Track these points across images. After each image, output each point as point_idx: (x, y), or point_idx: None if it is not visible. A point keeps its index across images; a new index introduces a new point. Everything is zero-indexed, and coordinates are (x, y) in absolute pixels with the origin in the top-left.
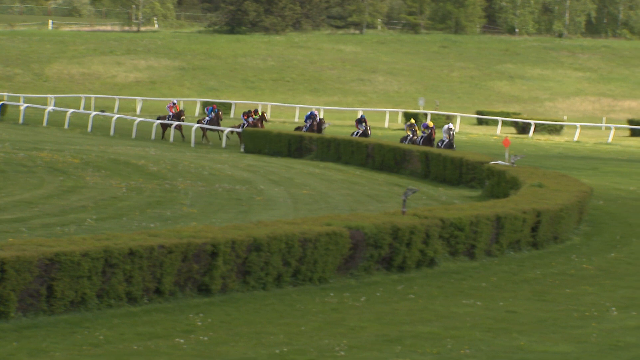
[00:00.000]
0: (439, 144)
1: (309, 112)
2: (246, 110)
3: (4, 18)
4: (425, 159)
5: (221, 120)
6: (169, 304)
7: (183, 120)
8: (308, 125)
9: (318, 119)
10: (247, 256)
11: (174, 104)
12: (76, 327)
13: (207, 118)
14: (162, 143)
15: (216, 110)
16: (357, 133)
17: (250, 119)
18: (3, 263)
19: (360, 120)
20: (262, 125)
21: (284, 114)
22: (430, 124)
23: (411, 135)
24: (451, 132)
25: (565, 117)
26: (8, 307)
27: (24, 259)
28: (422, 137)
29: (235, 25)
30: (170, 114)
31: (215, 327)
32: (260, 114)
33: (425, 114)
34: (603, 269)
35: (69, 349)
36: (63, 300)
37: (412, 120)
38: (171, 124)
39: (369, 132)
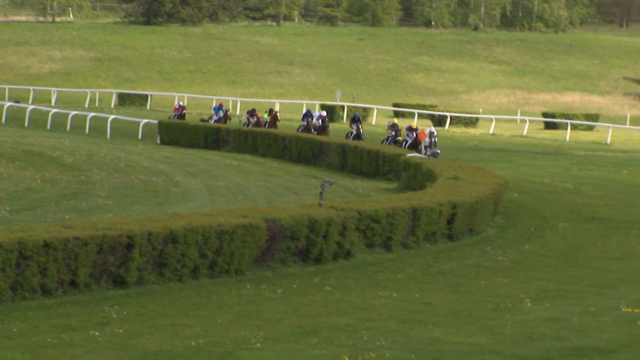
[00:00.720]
0: (404, 144)
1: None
2: (250, 109)
3: None
4: (342, 151)
5: (229, 120)
6: (84, 296)
7: (185, 115)
8: (304, 125)
9: (321, 119)
10: (163, 248)
11: (180, 105)
12: None
13: (214, 117)
14: (77, 134)
15: (224, 109)
16: (351, 134)
17: (254, 118)
18: None
19: (355, 120)
20: (274, 126)
21: (201, 105)
22: (414, 125)
23: (394, 134)
24: (433, 137)
25: (480, 110)
26: None
27: None
28: (406, 141)
29: (151, 16)
30: (174, 114)
31: (130, 319)
32: (273, 113)
33: (343, 107)
34: (517, 261)
35: None
36: None
37: (395, 120)
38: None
39: (362, 132)
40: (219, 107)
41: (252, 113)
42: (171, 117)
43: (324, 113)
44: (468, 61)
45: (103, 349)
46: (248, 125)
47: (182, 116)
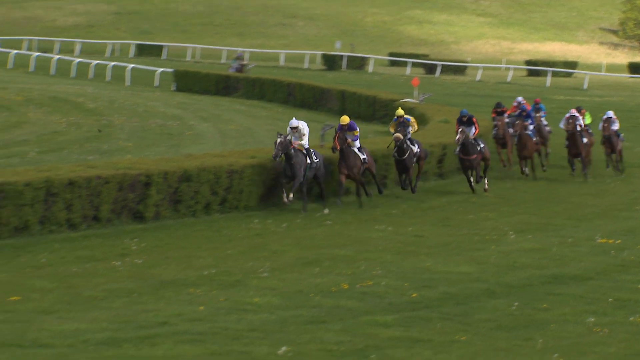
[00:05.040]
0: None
1: None
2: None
3: None
4: (341, 97)
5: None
6: (106, 230)
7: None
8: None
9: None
10: (178, 186)
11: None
12: (20, 251)
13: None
14: (99, 82)
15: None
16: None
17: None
18: None
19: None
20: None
21: (212, 55)
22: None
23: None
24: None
25: (469, 59)
26: None
27: None
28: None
29: None
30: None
31: (148, 251)
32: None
33: (342, 56)
34: (502, 196)
35: (13, 270)
36: (8, 226)
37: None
38: None
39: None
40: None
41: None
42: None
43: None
44: (457, 14)
45: (124, 277)
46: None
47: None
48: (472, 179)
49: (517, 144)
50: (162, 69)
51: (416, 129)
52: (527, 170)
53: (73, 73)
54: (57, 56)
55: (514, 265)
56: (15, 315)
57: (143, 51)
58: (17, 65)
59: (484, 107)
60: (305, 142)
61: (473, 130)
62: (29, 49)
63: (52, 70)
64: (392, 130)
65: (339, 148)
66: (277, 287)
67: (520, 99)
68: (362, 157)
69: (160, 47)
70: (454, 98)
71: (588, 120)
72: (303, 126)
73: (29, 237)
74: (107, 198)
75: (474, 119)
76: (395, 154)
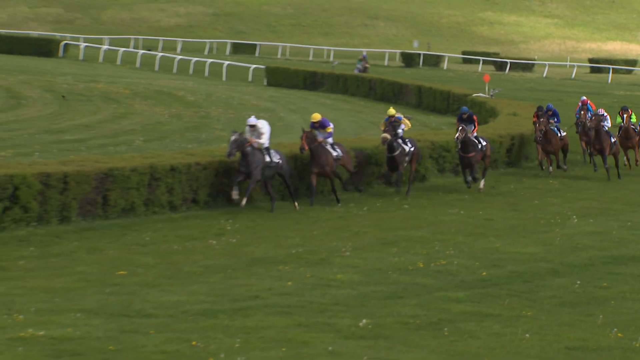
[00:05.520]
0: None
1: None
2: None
3: None
4: (418, 92)
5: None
6: (203, 211)
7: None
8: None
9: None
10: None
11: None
12: (126, 230)
13: (357, 67)
14: (198, 77)
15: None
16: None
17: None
18: (66, 176)
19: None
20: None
21: (301, 53)
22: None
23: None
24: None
25: (536, 57)
26: (70, 213)
27: (83, 173)
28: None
29: None
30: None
31: (242, 231)
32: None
33: (419, 54)
34: (565, 184)
35: (121, 247)
36: (115, 207)
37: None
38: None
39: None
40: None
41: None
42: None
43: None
44: (526, 16)
45: (219, 255)
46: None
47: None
48: (468, 176)
49: (542, 139)
50: (255, 66)
51: (409, 126)
52: (551, 168)
53: (175, 69)
54: (161, 54)
55: (576, 247)
56: (122, 288)
57: (238, 49)
58: (125, 62)
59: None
60: (264, 140)
61: (472, 127)
62: (135, 47)
63: (156, 67)
64: (382, 128)
65: (306, 148)
66: (358, 265)
67: (584, 98)
68: (334, 154)
69: (253, 46)
70: (521, 93)
71: (634, 119)
72: (262, 125)
73: (134, 217)
74: (204, 183)
75: (474, 117)
76: (386, 151)
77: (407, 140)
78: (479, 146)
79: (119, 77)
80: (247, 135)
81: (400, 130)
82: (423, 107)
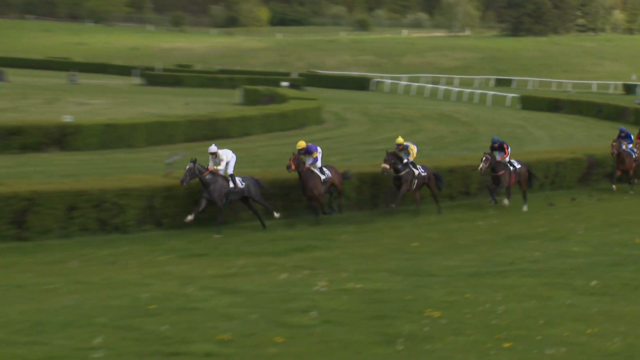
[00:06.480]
0: None
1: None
2: None
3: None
4: (636, 113)
5: None
6: (472, 200)
7: None
8: None
9: None
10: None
11: None
12: (420, 214)
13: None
14: (469, 103)
15: None
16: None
17: None
18: (375, 176)
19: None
20: None
21: (546, 85)
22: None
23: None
24: None
25: None
26: (378, 202)
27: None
28: None
29: (516, 31)
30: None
31: (502, 215)
32: None
33: (635, 85)
34: None
35: (414, 226)
36: (406, 199)
37: (400, 140)
38: None
39: None
40: None
41: None
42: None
43: None
44: None
45: (484, 232)
46: None
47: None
48: (495, 195)
49: (617, 159)
50: (512, 95)
51: (414, 155)
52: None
53: (453, 98)
54: (443, 87)
55: None
56: (415, 255)
57: (499, 83)
58: (417, 94)
59: None
60: (222, 167)
61: (502, 154)
62: (425, 82)
63: (439, 96)
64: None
65: (293, 168)
66: (589, 240)
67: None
68: (322, 177)
69: (510, 80)
70: None
71: None
72: (224, 153)
73: (424, 205)
74: (474, 179)
75: (505, 145)
76: (393, 172)
77: (418, 166)
78: (511, 168)
79: (413, 104)
80: (210, 163)
81: (406, 158)
82: None
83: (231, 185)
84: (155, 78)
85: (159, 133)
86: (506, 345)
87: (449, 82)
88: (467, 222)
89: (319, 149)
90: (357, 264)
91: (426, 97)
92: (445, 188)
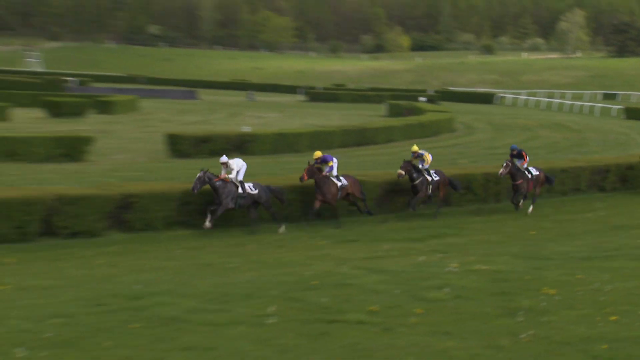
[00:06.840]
0: None
1: None
2: None
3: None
4: None
5: None
6: (583, 195)
7: None
8: None
9: None
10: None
11: None
12: (538, 207)
13: None
14: (578, 114)
15: None
16: None
17: None
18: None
19: None
20: None
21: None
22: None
23: None
24: None
25: None
26: (502, 196)
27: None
28: None
29: (622, 52)
30: None
31: (608, 208)
32: None
33: None
34: None
35: (531, 217)
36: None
37: (415, 148)
38: None
39: None
40: None
41: None
42: None
43: None
44: None
45: (593, 223)
46: None
47: None
48: (520, 201)
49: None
50: (617, 107)
51: (429, 161)
52: None
53: (565, 109)
54: (557, 100)
55: None
56: (533, 242)
57: (606, 97)
58: (534, 106)
59: None
60: (233, 175)
61: (522, 161)
62: (541, 97)
63: (554, 108)
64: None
65: (306, 179)
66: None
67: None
68: (339, 184)
69: (615, 95)
70: None
71: None
72: (235, 162)
73: (541, 199)
74: (583, 178)
75: (523, 152)
76: (409, 180)
77: (432, 171)
78: (530, 175)
79: (531, 115)
80: (223, 172)
81: (421, 165)
82: None
83: (240, 190)
84: (316, 95)
85: (319, 140)
86: (612, 318)
87: (562, 97)
88: (577, 214)
89: (335, 159)
90: (483, 249)
91: (542, 109)
92: (558, 185)
